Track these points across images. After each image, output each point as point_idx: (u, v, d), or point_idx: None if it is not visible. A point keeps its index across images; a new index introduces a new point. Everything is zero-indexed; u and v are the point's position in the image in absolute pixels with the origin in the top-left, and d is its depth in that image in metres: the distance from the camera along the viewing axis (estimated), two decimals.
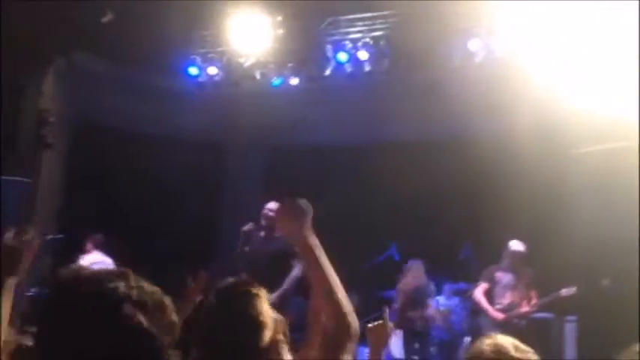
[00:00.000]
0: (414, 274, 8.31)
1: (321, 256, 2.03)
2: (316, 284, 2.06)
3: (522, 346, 2.06)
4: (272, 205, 6.64)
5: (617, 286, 5.86)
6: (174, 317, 1.28)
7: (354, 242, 9.51)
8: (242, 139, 10.62)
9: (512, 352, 2.02)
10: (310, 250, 2.02)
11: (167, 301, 1.30)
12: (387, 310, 2.97)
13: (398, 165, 9.02)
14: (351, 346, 2.03)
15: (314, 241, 2.03)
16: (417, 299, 8.23)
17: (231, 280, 2.13)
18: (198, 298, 3.50)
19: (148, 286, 1.30)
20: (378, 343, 3.04)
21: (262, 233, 6.82)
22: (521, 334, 7.14)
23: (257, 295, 2.07)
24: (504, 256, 7.55)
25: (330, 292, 2.02)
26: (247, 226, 6.87)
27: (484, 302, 7.55)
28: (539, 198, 7.50)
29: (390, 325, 2.94)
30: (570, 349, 7.41)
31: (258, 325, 2.03)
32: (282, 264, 6.50)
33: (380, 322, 2.93)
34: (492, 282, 7.57)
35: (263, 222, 6.78)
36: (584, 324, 6.71)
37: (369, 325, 3.08)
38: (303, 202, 2.06)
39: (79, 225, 8.20)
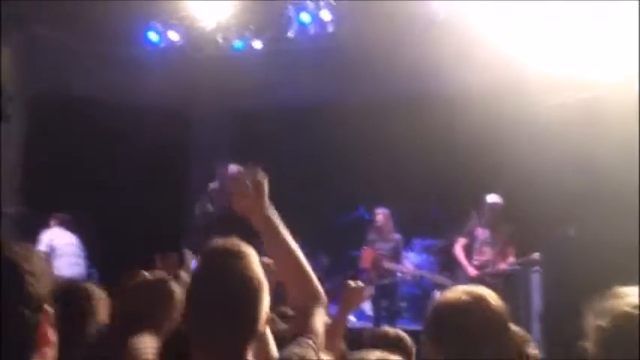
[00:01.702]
0: (383, 225, 8.34)
1: (280, 228, 2.03)
2: (278, 258, 2.05)
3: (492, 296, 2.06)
4: (234, 167, 6.70)
5: (581, 236, 5.99)
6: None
7: (323, 203, 9.56)
8: (207, 105, 10.50)
9: (488, 302, 2.03)
10: (268, 224, 2.02)
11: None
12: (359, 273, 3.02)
13: (365, 124, 9.03)
14: (321, 311, 2.04)
15: (271, 214, 2.02)
16: (387, 253, 8.30)
17: (218, 242, 1.93)
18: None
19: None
20: (349, 304, 3.08)
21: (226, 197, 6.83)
22: (489, 285, 7.30)
23: (250, 255, 1.90)
24: (483, 211, 7.64)
25: (293, 264, 2.02)
26: (213, 184, 6.82)
27: (461, 257, 7.67)
28: (507, 152, 7.57)
29: (368, 291, 2.94)
30: (537, 300, 7.59)
31: (257, 287, 1.85)
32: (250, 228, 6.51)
33: (359, 284, 2.93)
34: (471, 237, 7.68)
35: (224, 187, 6.79)
36: (550, 273, 6.87)
37: (349, 282, 3.11)
38: (257, 175, 2.03)
39: (40, 199, 8.09)
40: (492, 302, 2.01)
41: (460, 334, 1.96)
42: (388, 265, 8.22)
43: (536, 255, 7.28)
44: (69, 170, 8.84)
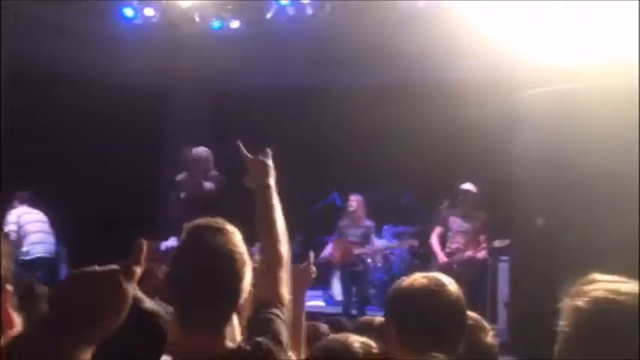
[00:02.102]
0: (355, 211, 8.34)
1: (275, 203, 2.24)
2: (260, 214, 2.21)
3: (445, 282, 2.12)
4: (199, 150, 6.82)
5: (551, 226, 6.06)
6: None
7: (298, 187, 9.53)
8: (184, 84, 10.38)
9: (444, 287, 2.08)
10: (268, 198, 2.24)
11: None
12: (312, 254, 2.99)
13: (340, 109, 9.02)
14: (285, 274, 2.11)
15: (274, 191, 2.28)
16: (357, 240, 8.32)
17: (201, 220, 1.98)
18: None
19: None
20: (300, 285, 3.02)
21: (190, 178, 6.88)
22: (456, 273, 7.38)
23: (233, 232, 1.95)
24: (458, 200, 7.70)
25: (270, 223, 2.17)
26: (180, 175, 6.90)
27: (435, 245, 7.74)
28: (486, 141, 7.62)
29: (313, 268, 2.93)
30: (504, 288, 7.69)
31: (239, 261, 1.89)
32: (217, 206, 6.54)
33: (304, 264, 2.94)
34: (445, 225, 7.74)
35: (192, 167, 6.83)
36: (518, 263, 6.96)
37: (295, 268, 3.16)
38: (269, 161, 2.35)
39: (12, 176, 7.96)
40: (449, 287, 2.06)
41: (417, 317, 2.02)
42: (358, 250, 8.26)
43: (496, 242, 7.38)
44: (42, 148, 8.70)
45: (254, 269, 2.03)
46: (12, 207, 8.15)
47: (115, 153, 9.26)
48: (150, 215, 9.10)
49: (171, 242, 7.49)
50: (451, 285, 2.08)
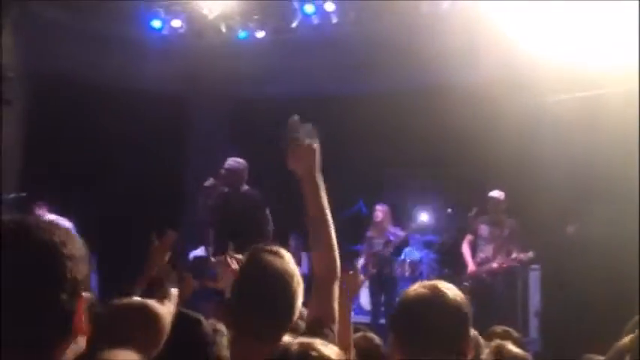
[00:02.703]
0: (382, 221, 8.32)
1: (321, 193, 2.25)
2: (313, 222, 2.23)
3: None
4: (231, 162, 6.69)
5: (581, 234, 5.96)
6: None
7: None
8: (208, 93, 10.45)
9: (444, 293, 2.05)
10: (312, 185, 2.23)
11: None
12: (359, 261, 3.06)
13: (368, 116, 8.98)
14: (337, 288, 2.19)
15: (321, 182, 2.26)
16: (385, 249, 8.28)
17: (262, 245, 2.16)
18: (167, 257, 3.41)
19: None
20: (349, 292, 3.09)
21: (225, 189, 6.80)
22: (486, 283, 7.28)
23: (288, 255, 2.13)
24: (487, 207, 7.61)
25: (321, 230, 2.21)
26: (208, 182, 6.84)
27: (466, 254, 7.67)
28: (510, 147, 7.53)
29: (361, 276, 3.02)
30: (535, 297, 7.57)
31: (296, 281, 2.06)
32: (250, 219, 6.50)
33: (352, 272, 3.00)
34: (475, 234, 7.66)
35: (224, 178, 6.75)
36: (549, 272, 6.84)
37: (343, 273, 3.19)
38: (314, 143, 2.28)
39: (41, 183, 8.06)
40: (447, 294, 2.02)
41: (418, 326, 2.01)
42: (384, 253, 8.22)
43: (529, 254, 7.25)
44: (68, 155, 8.80)
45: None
46: (40, 214, 8.21)
47: (141, 160, 9.33)
48: (174, 222, 9.13)
49: (200, 251, 7.51)
50: (450, 291, 2.04)
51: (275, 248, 2.12)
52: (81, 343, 1.25)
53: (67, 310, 1.19)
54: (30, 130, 8.63)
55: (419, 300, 2.03)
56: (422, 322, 1.99)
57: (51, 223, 1.24)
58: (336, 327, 2.12)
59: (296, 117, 2.30)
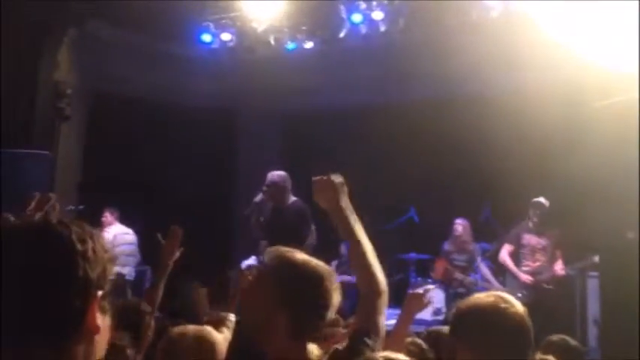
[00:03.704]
0: (461, 235, 8.26)
1: (352, 222, 2.29)
2: (350, 249, 2.31)
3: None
4: (271, 176, 6.67)
5: None
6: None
7: (373, 205, 9.49)
8: (257, 106, 10.57)
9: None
10: (341, 216, 2.29)
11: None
12: (431, 287, 3.21)
13: (416, 126, 8.94)
14: (382, 303, 2.23)
15: (346, 209, 2.30)
16: (461, 264, 8.25)
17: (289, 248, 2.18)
18: (177, 254, 3.43)
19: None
20: (412, 309, 3.28)
21: (270, 205, 6.86)
22: (545, 291, 7.12)
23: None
24: (530, 215, 7.47)
25: (359, 254, 2.26)
26: (258, 197, 6.89)
27: (510, 264, 7.50)
28: (559, 154, 7.39)
29: (427, 298, 3.21)
30: (593, 305, 7.38)
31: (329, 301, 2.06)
32: (293, 231, 6.53)
33: (421, 290, 3.17)
34: (517, 243, 7.50)
35: (267, 193, 6.78)
36: (608, 279, 6.67)
37: (411, 291, 3.40)
38: (337, 178, 2.35)
39: (97, 196, 8.27)
40: (512, 307, 2.07)
41: (479, 334, 2.05)
42: (458, 276, 8.17)
43: (595, 258, 7.07)
44: (125, 169, 9.02)
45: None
46: (105, 223, 8.41)
47: (193, 175, 9.49)
48: (226, 235, 9.25)
49: (252, 260, 7.58)
50: (516, 303, 2.10)
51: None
52: (98, 341, 1.22)
53: (77, 309, 1.17)
54: (88, 146, 8.88)
55: (486, 309, 2.07)
56: (488, 331, 2.03)
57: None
58: (379, 338, 2.15)
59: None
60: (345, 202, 2.32)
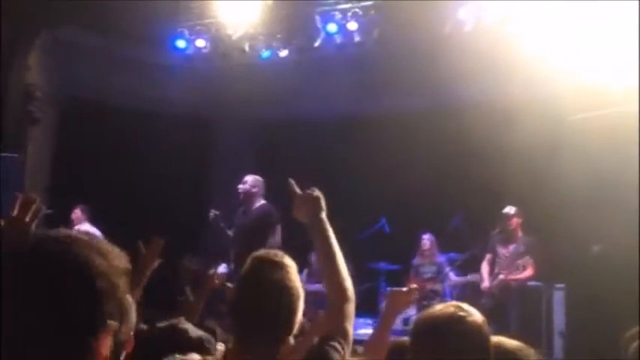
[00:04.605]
0: (429, 249, 8.61)
1: (327, 233, 2.33)
2: (320, 253, 2.34)
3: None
4: (247, 178, 6.88)
5: (607, 253, 5.89)
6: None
7: (345, 214, 9.50)
8: (231, 113, 10.54)
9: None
10: (317, 226, 2.33)
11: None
12: (414, 286, 3.17)
13: (389, 136, 8.99)
14: (350, 309, 2.25)
15: (326, 225, 2.35)
16: (431, 276, 8.52)
17: (265, 251, 2.23)
18: (156, 264, 3.40)
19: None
20: (394, 308, 3.21)
21: (241, 209, 6.94)
22: (508, 305, 7.23)
23: (291, 266, 2.16)
24: (498, 226, 7.66)
25: (330, 263, 2.28)
26: (211, 215, 6.99)
27: (484, 273, 7.73)
28: (533, 166, 7.52)
29: (415, 294, 3.16)
30: (559, 317, 7.48)
31: (294, 295, 2.10)
32: (256, 233, 6.59)
33: (404, 288, 3.13)
34: (493, 251, 7.70)
35: (240, 196, 6.89)
36: (574, 291, 6.76)
37: (391, 289, 3.41)
38: (316, 192, 2.40)
39: (66, 200, 8.16)
40: (474, 316, 2.07)
41: (437, 345, 2.05)
42: (432, 287, 8.40)
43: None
44: (94, 174, 8.92)
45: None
46: (74, 220, 8.28)
47: (166, 182, 9.41)
48: (197, 242, 9.19)
49: (222, 269, 7.56)
50: (474, 312, 2.10)
51: (278, 258, 2.16)
52: None
53: (83, 337, 1.15)
54: (57, 150, 8.77)
55: (444, 320, 2.07)
56: (446, 342, 2.03)
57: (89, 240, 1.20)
58: (348, 345, 2.16)
59: (291, 181, 2.45)
60: (324, 216, 2.36)
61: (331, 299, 2.27)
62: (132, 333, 1.27)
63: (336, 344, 2.11)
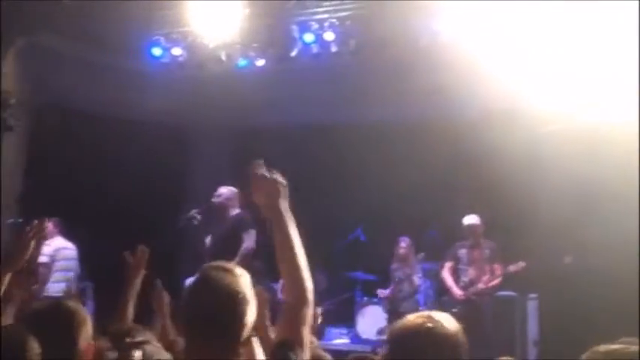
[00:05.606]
0: (406, 254, 8.62)
1: (288, 226, 2.22)
2: (279, 251, 2.22)
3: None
4: (222, 190, 6.95)
5: (579, 264, 5.97)
6: None
7: (320, 223, 9.51)
8: (208, 122, 10.51)
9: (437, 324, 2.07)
10: (278, 219, 2.21)
11: None
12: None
13: (365, 146, 9.03)
14: (308, 313, 2.18)
15: (285, 210, 2.23)
16: (406, 274, 8.59)
17: (217, 262, 2.18)
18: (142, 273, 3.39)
19: None
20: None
21: (216, 219, 6.97)
22: (483, 311, 7.29)
23: (241, 274, 2.11)
24: (464, 233, 7.76)
25: (290, 260, 2.19)
26: (193, 218, 7.00)
27: (449, 280, 7.76)
28: (505, 177, 7.58)
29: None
30: (533, 327, 7.54)
31: (241, 301, 2.05)
32: (229, 239, 6.59)
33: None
34: (456, 259, 7.77)
35: (215, 206, 6.92)
36: (547, 301, 6.83)
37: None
38: (280, 178, 2.28)
39: (40, 209, 8.04)
40: (445, 325, 2.05)
41: (410, 356, 2.02)
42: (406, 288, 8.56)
43: (511, 267, 7.30)
44: (68, 183, 8.82)
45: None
46: (49, 232, 8.12)
47: (142, 190, 9.33)
48: (173, 251, 9.11)
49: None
50: (445, 321, 2.07)
51: (228, 266, 2.13)
52: None
53: None
54: (31, 157, 8.66)
55: (414, 330, 2.05)
56: (417, 353, 2.01)
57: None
58: (303, 352, 2.11)
59: (260, 161, 2.31)
60: (284, 205, 2.24)
61: (288, 301, 2.20)
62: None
63: (292, 354, 2.07)
